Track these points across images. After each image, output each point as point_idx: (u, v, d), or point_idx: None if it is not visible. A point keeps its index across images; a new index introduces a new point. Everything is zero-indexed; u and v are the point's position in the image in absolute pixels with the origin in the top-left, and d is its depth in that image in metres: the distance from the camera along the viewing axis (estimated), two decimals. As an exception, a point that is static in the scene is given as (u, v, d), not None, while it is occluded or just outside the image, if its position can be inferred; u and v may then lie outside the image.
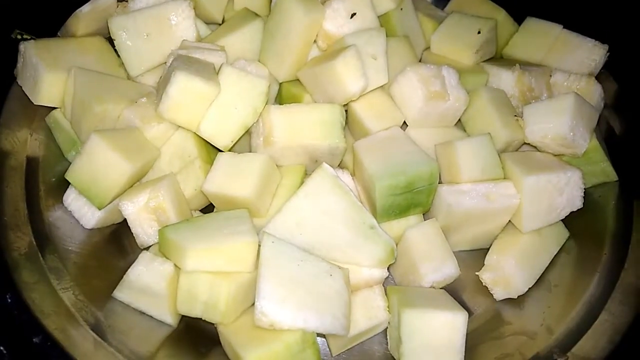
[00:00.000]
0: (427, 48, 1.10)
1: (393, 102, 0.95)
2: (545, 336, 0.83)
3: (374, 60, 0.93)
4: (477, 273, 0.90)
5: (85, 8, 0.98)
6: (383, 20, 1.03)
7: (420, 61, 1.06)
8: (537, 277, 0.90)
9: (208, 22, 1.05)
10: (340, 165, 0.96)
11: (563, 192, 0.89)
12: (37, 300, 0.74)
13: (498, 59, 1.14)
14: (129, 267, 0.83)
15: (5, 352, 0.69)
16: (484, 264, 0.91)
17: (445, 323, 0.77)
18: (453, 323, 0.77)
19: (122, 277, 0.82)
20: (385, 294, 0.84)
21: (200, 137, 0.91)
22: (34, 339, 0.70)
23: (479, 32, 1.05)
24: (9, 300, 0.72)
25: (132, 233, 0.88)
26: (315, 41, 0.98)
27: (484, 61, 1.08)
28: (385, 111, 0.95)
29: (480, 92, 0.98)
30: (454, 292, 0.87)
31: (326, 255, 0.82)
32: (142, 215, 0.84)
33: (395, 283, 0.92)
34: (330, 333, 0.77)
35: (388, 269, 0.86)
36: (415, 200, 0.87)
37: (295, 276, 0.77)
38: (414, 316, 0.77)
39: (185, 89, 0.84)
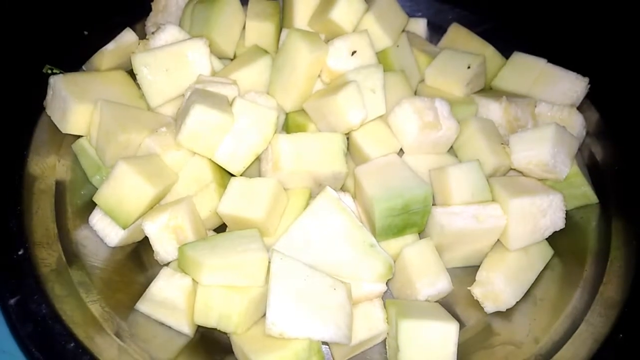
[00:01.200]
0: (422, 80, 1.18)
1: (390, 131, 1.03)
2: (531, 345, 0.89)
3: (372, 94, 1.01)
4: (468, 288, 0.97)
5: (110, 46, 1.07)
6: (381, 56, 1.12)
7: (415, 93, 1.14)
8: (524, 292, 0.97)
9: (221, 57, 1.13)
10: (343, 189, 1.04)
11: (546, 213, 0.96)
12: (69, 312, 0.81)
13: (487, 90, 1.21)
14: (148, 281, 0.90)
15: (41, 357, 0.75)
16: (475, 280, 0.97)
17: (438, 332, 0.83)
18: (446, 332, 0.83)
19: (142, 291, 0.90)
20: (384, 307, 0.91)
21: (214, 162, 0.99)
22: (67, 346, 0.77)
23: (469, 67, 1.13)
24: (44, 312, 0.79)
25: (150, 250, 0.95)
26: (319, 76, 1.06)
27: (474, 93, 1.16)
28: (383, 139, 1.02)
29: (470, 121, 1.05)
30: (447, 305, 0.93)
31: (330, 270, 0.88)
32: (162, 234, 0.91)
33: (393, 297, 0.99)
34: (334, 342, 0.84)
35: (387, 283, 0.93)
36: (411, 220, 0.95)
37: (303, 290, 0.84)
38: (410, 326, 0.83)
39: (202, 120, 0.92)
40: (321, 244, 0.90)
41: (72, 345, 0.77)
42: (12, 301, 0.81)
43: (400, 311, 0.87)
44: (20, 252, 0.85)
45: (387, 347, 0.91)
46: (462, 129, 1.04)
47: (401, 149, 1.04)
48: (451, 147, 1.07)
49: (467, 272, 1.01)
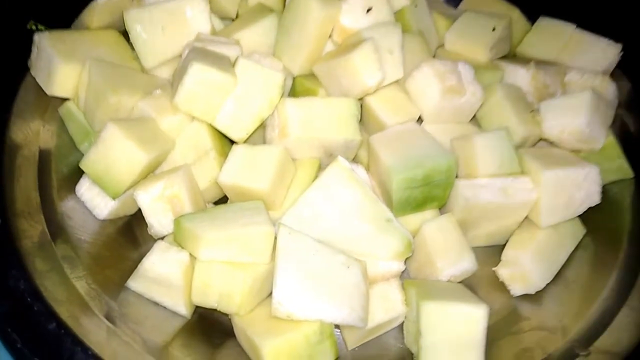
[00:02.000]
0: (441, 45, 1.10)
1: (408, 97, 0.95)
2: (565, 331, 0.81)
3: (390, 55, 0.92)
4: (493, 269, 0.89)
5: (100, 0, 0.98)
6: (397, 16, 1.03)
7: (433, 58, 1.06)
8: (554, 273, 0.89)
9: (222, 18, 1.05)
10: (355, 160, 0.96)
11: (581, 187, 0.88)
12: (50, 288, 0.73)
13: (511, 57, 1.14)
14: (141, 258, 0.82)
15: (18, 338, 0.67)
16: (498, 260, 0.90)
17: (465, 316, 0.75)
18: (473, 316, 0.75)
19: (134, 268, 0.82)
20: (402, 288, 0.83)
21: (214, 129, 0.91)
22: (47, 327, 0.68)
23: (493, 29, 1.05)
24: (22, 287, 0.71)
25: (144, 225, 0.87)
26: (330, 36, 0.98)
27: (498, 59, 1.08)
28: (401, 105, 0.94)
29: (496, 88, 0.97)
30: (469, 287, 0.85)
31: (343, 248, 0.81)
32: (157, 204, 0.83)
33: (410, 277, 0.91)
34: (348, 324, 0.76)
35: (404, 262, 0.85)
36: (432, 194, 0.86)
37: (313, 267, 0.76)
38: (433, 309, 0.75)
39: (201, 79, 0.84)
40: (332, 219, 0.82)
41: (53, 325, 0.69)
42: (-14, 276, 0.73)
43: (422, 292, 0.78)
44: (-2, 222, 0.76)
45: (404, 331, 0.83)
46: (487, 96, 0.96)
47: (420, 118, 0.95)
48: (474, 116, 0.98)
49: (490, 252, 0.93)
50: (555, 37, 1.11)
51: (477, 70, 0.96)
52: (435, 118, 0.94)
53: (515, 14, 1.15)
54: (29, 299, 0.70)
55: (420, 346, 0.76)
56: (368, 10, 0.96)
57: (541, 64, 1.05)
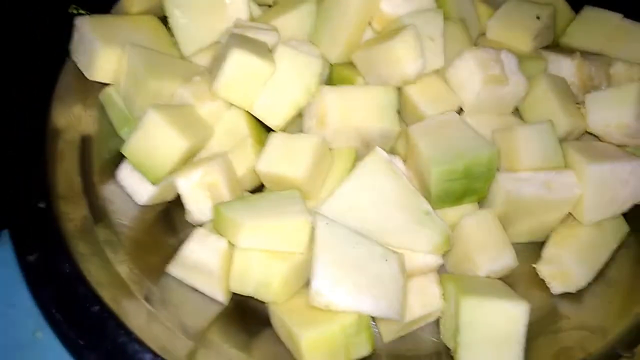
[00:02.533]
0: (482, 34, 1.07)
1: (448, 87, 0.93)
2: (607, 331, 0.79)
3: (431, 42, 0.90)
4: (534, 265, 0.87)
5: (141, -15, 0.98)
6: (438, 3, 1.00)
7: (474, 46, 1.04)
8: (596, 272, 0.87)
9: (260, 4, 1.04)
10: (391, 151, 0.94)
11: (627, 183, 0.85)
12: (94, 272, 0.74)
13: (554, 47, 1.10)
14: (180, 244, 0.83)
15: (63, 320, 0.69)
16: (538, 257, 0.88)
17: (505, 313, 0.74)
18: (514, 313, 0.74)
19: (173, 254, 0.82)
20: (440, 282, 0.82)
21: (252, 116, 0.90)
22: (91, 309, 0.70)
23: (537, 18, 1.02)
24: (67, 271, 0.72)
25: (182, 211, 0.88)
26: (369, 23, 0.96)
27: (541, 48, 1.05)
28: (441, 95, 0.92)
29: (540, 78, 0.95)
30: (507, 284, 0.83)
31: (380, 239, 0.80)
32: (196, 191, 0.83)
33: (447, 272, 0.89)
34: (385, 317, 0.75)
35: (442, 256, 0.84)
36: (472, 186, 0.85)
37: (350, 258, 0.75)
38: (473, 305, 0.74)
39: (241, 66, 0.83)
40: (370, 210, 0.81)
41: (97, 308, 0.70)
42: (31, 258, 0.74)
43: (461, 287, 0.77)
44: (41, 206, 0.78)
45: (441, 326, 0.82)
46: (531, 87, 0.94)
47: (460, 108, 0.93)
48: (516, 108, 0.95)
49: (530, 248, 0.91)
50: (600, 27, 1.08)
51: (519, 60, 0.94)
52: (477, 109, 0.92)
53: (560, 3, 1.12)
54: (73, 282, 0.72)
55: (459, 342, 0.75)
56: (409, -4, 0.94)
57: (586, 54, 1.02)
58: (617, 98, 0.89)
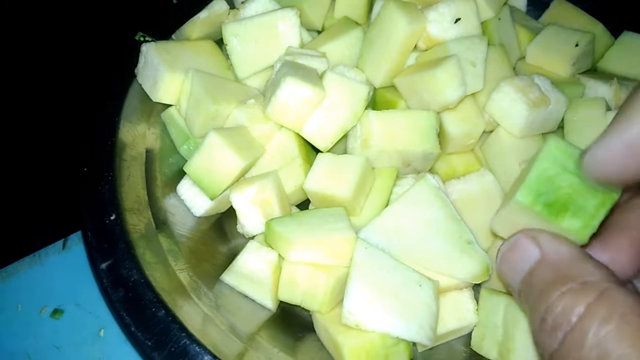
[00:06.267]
0: (522, 58, 1.11)
1: (478, 109, 0.97)
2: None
3: (472, 67, 0.95)
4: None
5: (202, 14, 1.06)
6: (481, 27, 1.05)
7: (514, 70, 1.07)
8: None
9: (309, 29, 1.11)
10: (432, 170, 0.99)
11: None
12: (159, 278, 0.81)
13: (593, 72, 1.13)
14: (231, 253, 0.90)
15: (132, 322, 0.77)
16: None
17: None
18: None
19: (225, 262, 0.90)
20: (474, 296, 0.86)
21: (301, 137, 0.97)
22: (157, 313, 0.77)
23: (576, 45, 1.05)
24: (135, 277, 0.80)
25: (233, 222, 0.95)
26: (415, 44, 1.00)
27: (579, 74, 1.08)
28: (469, 118, 0.96)
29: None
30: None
31: (419, 263, 0.83)
32: (250, 207, 0.90)
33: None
34: (416, 341, 0.79)
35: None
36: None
37: (385, 282, 0.79)
38: None
39: (293, 93, 0.89)
40: (414, 233, 0.85)
41: (162, 312, 0.77)
42: (103, 265, 0.82)
43: (511, 300, 0.81)
44: (112, 217, 0.86)
45: (476, 338, 0.86)
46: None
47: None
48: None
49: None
50: (638, 53, 1.10)
51: (558, 85, 0.97)
52: (527, 131, 0.95)
53: (599, 29, 1.14)
54: (140, 287, 0.80)
55: (512, 349, 0.78)
56: (456, 21, 0.97)
57: (623, 80, 1.05)
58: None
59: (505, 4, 1.09)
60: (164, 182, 0.97)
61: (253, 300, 0.88)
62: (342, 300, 0.85)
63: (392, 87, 1.02)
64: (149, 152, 0.99)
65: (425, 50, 1.00)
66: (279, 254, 0.86)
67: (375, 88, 1.04)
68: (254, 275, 0.86)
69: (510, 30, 1.09)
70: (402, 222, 0.84)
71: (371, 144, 0.92)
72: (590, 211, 0.57)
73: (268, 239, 0.87)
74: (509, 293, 0.84)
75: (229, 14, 1.07)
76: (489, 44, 1.01)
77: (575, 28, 1.09)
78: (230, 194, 0.91)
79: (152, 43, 1.02)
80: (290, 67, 0.93)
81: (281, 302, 0.89)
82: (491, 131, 1.00)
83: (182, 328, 0.76)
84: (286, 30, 1.01)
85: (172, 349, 0.75)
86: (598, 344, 0.47)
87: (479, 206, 0.94)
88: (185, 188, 0.96)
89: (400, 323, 0.78)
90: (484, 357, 0.85)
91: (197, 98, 0.96)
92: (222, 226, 1.00)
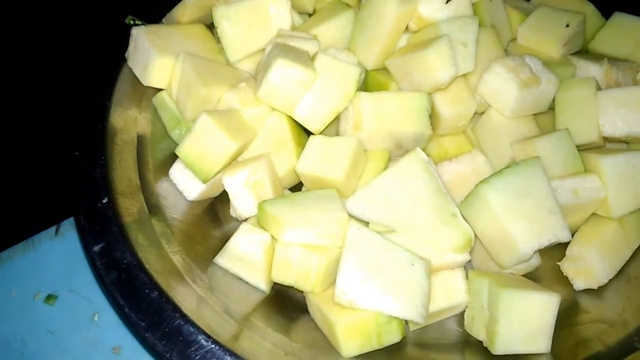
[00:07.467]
0: (513, 39, 1.11)
1: (470, 90, 0.97)
2: (625, 325, 0.83)
3: (463, 48, 0.94)
4: (558, 263, 0.92)
5: (192, -3, 1.06)
6: (473, 9, 1.04)
7: (505, 52, 1.07)
8: (619, 269, 0.91)
9: (300, 12, 1.10)
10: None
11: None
12: (152, 261, 0.81)
13: (584, 53, 1.13)
14: (224, 236, 0.90)
15: (125, 304, 0.77)
16: (560, 253, 0.92)
17: (540, 304, 0.79)
18: (546, 304, 0.79)
19: (218, 245, 0.90)
20: (467, 277, 0.87)
21: (292, 120, 0.96)
22: (150, 295, 0.78)
23: (567, 26, 1.05)
24: (128, 260, 0.80)
25: (226, 206, 0.95)
26: (407, 25, 1.00)
27: (570, 54, 1.08)
28: (461, 98, 0.96)
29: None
30: (532, 280, 0.89)
31: (404, 232, 0.85)
32: (242, 189, 0.90)
33: (472, 268, 0.94)
34: (408, 319, 0.80)
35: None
36: None
37: (377, 261, 0.80)
38: (512, 296, 0.78)
39: (285, 75, 0.89)
40: (401, 204, 0.85)
41: (155, 294, 0.78)
42: (96, 248, 0.82)
43: (497, 281, 0.81)
44: (104, 200, 0.86)
45: (466, 318, 0.87)
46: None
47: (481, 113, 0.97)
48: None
49: (553, 246, 0.94)
50: (629, 33, 1.10)
51: (549, 66, 0.98)
52: (518, 112, 0.96)
53: (589, 10, 1.14)
54: (133, 270, 0.80)
55: (496, 332, 0.79)
56: (447, 1, 0.97)
57: (614, 60, 1.05)
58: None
59: (496, -15, 1.09)
60: (156, 166, 0.97)
61: (247, 282, 0.89)
62: (335, 280, 0.85)
63: (384, 69, 1.02)
64: (140, 137, 0.99)
65: (417, 31, 1.00)
66: (272, 236, 0.86)
67: (367, 70, 1.03)
68: (247, 257, 0.86)
69: (501, 11, 1.09)
70: (389, 192, 0.85)
71: (363, 126, 0.92)
72: None
73: (261, 220, 0.87)
74: (492, 274, 0.85)
75: (219, -3, 1.06)
76: (480, 26, 1.02)
77: (566, 9, 1.09)
78: (223, 177, 0.91)
79: (142, 27, 1.01)
80: (282, 49, 0.93)
81: (275, 283, 0.89)
82: (482, 112, 1.00)
83: (176, 309, 0.77)
84: (277, 12, 1.00)
85: (166, 330, 0.75)
86: None
87: (471, 187, 0.94)
88: (177, 172, 0.96)
89: (393, 301, 0.78)
90: (476, 338, 0.86)
91: (188, 82, 0.95)
92: (215, 210, 1.01)
